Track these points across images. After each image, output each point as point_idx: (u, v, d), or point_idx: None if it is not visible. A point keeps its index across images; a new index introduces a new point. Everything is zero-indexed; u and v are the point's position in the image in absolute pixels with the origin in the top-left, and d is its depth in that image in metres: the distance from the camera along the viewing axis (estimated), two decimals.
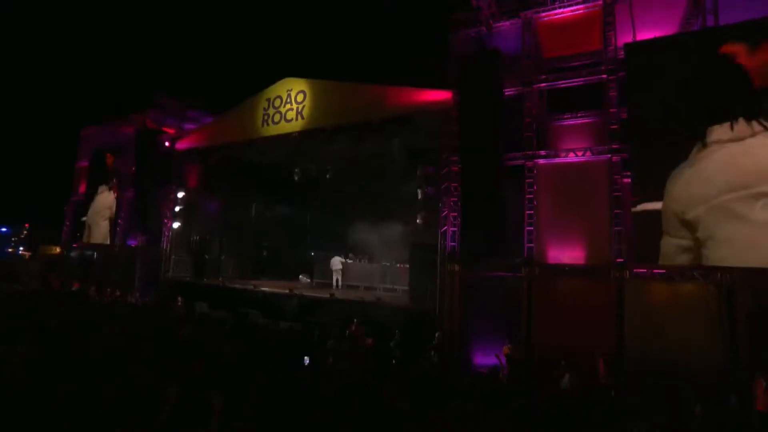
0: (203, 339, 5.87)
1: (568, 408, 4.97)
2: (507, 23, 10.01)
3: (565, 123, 9.72)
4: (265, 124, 13.31)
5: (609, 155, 8.66)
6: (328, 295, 11.57)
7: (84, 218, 18.39)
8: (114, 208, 17.50)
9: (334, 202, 16.48)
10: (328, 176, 14.24)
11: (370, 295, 12.16)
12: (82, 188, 19.36)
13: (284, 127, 12.84)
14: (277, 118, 13.05)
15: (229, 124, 14.39)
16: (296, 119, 12.59)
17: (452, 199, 9.83)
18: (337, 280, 14.45)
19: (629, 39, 8.74)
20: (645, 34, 8.75)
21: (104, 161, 18.53)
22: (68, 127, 28.39)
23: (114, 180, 17.86)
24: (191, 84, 17.77)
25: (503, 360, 8.07)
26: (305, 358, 5.58)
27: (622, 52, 8.82)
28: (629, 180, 8.33)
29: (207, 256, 15.62)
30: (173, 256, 15.45)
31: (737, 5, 8.11)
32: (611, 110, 8.75)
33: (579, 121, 9.68)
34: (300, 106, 12.55)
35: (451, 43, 10.20)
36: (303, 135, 12.39)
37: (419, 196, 11.36)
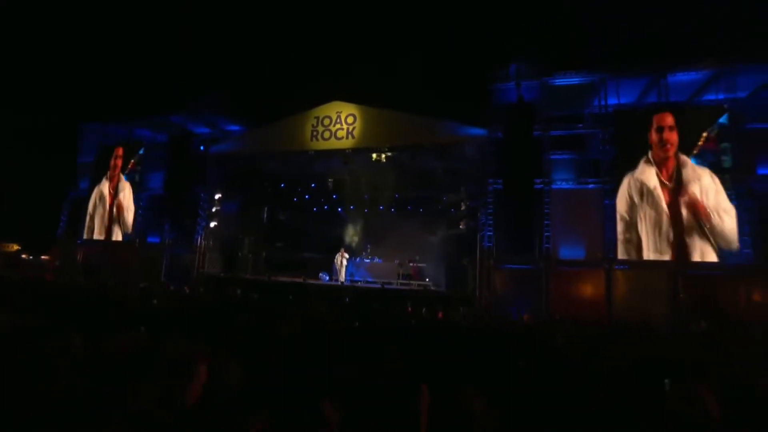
0: None
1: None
2: (528, 82, 13.62)
3: (559, 158, 13.62)
4: (314, 139, 15.36)
5: (601, 184, 12.61)
6: (379, 286, 14.11)
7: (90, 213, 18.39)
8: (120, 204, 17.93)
9: (355, 209, 18.81)
10: (360, 185, 16.65)
11: (417, 286, 14.95)
12: (86, 184, 19.19)
13: (334, 144, 15.07)
14: (326, 135, 15.21)
15: (273, 135, 16.07)
16: (347, 138, 14.91)
17: (489, 210, 13.11)
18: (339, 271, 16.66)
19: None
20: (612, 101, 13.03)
21: (110, 157, 18.73)
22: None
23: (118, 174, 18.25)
24: (210, 91, 18.62)
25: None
26: None
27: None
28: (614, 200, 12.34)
29: (240, 254, 17.01)
30: (209, 253, 16.62)
31: (677, 91, 12.62)
32: (599, 153, 12.73)
33: (568, 156, 13.64)
34: (350, 127, 14.90)
35: (490, 92, 13.50)
36: (355, 151, 14.78)
37: (462, 207, 14.50)
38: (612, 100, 13.17)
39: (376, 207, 17.94)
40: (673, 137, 11.79)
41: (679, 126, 11.88)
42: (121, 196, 18.14)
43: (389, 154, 14.28)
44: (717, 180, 11.31)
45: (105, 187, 18.59)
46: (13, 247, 25.70)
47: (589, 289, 12.34)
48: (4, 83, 24.09)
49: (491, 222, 13.08)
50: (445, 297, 13.55)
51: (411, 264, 17.73)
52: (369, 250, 18.60)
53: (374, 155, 14.43)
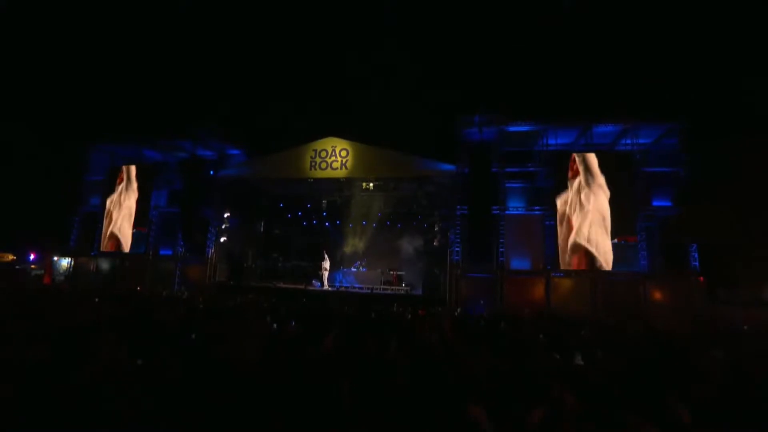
0: None
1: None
2: (488, 128, 17.13)
3: (512, 186, 17.24)
4: (312, 168, 18.21)
5: (543, 211, 16.29)
6: (369, 290, 17.22)
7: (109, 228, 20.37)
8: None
9: (343, 225, 21.84)
10: (350, 207, 19.70)
11: (397, 290, 18.16)
12: (96, 200, 21.10)
13: (330, 173, 17.99)
14: (323, 165, 18.11)
15: (277, 163, 18.77)
16: (341, 168, 17.88)
17: (457, 230, 16.51)
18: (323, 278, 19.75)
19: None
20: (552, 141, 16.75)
21: (118, 176, 20.78)
22: None
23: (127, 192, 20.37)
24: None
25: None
26: None
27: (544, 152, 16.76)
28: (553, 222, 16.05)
29: (245, 264, 19.61)
30: (218, 264, 19.12)
31: (601, 138, 16.51)
32: (543, 183, 16.41)
33: (519, 185, 17.29)
34: (344, 159, 17.88)
35: (458, 136, 16.89)
36: (348, 180, 17.80)
37: (436, 228, 17.85)
38: (552, 141, 16.89)
39: (363, 224, 21.03)
40: (576, 170, 15.72)
41: (595, 165, 15.81)
42: (126, 212, 20.20)
43: (376, 183, 17.41)
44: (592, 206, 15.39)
45: (115, 203, 20.57)
46: (8, 257, 26.80)
47: (533, 292, 15.99)
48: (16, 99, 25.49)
49: (459, 240, 16.49)
50: (424, 299, 16.83)
51: (391, 272, 20.93)
52: (358, 261, 21.66)
53: (364, 184, 17.51)
